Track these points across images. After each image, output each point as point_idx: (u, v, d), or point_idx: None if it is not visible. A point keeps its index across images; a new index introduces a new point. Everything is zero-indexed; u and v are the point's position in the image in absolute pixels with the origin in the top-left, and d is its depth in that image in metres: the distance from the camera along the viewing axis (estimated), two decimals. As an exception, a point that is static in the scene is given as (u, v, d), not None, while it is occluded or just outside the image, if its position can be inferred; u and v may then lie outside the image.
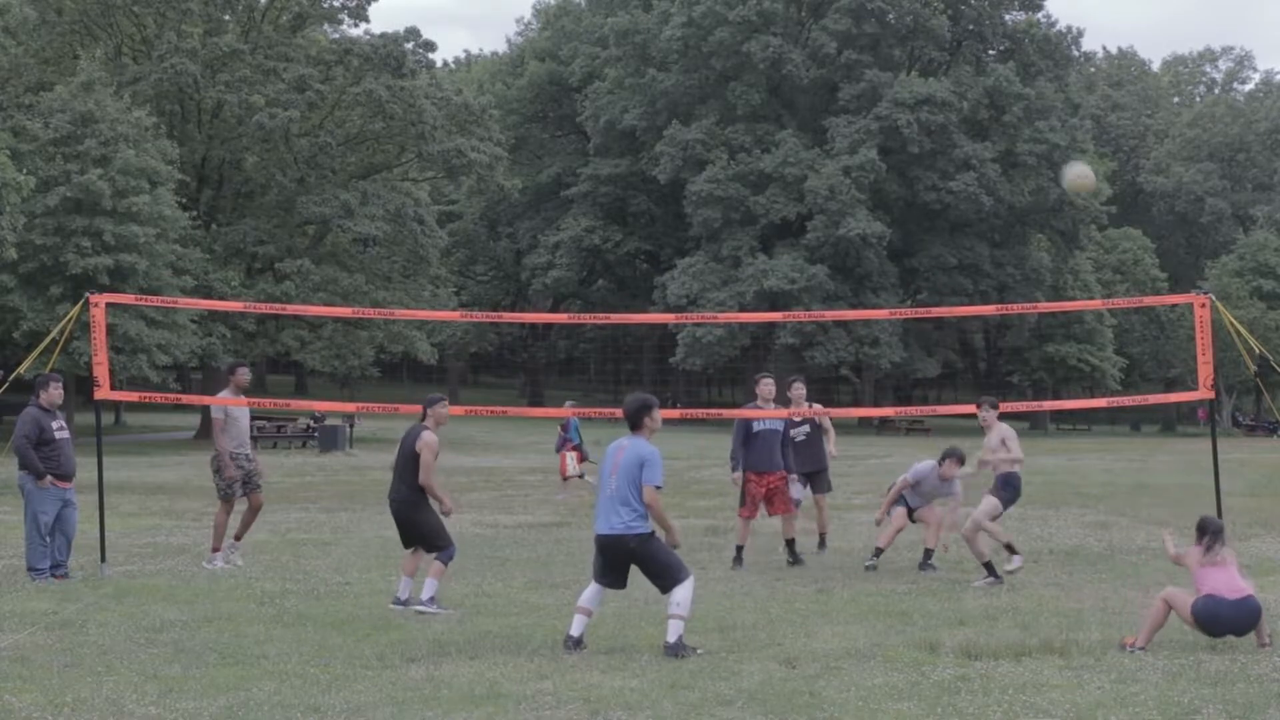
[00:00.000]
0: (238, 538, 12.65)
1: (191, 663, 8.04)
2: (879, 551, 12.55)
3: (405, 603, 9.98)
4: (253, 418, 44.23)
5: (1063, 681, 7.39)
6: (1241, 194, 77.70)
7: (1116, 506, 18.94)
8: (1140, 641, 8.34)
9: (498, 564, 12.67)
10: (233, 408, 12.57)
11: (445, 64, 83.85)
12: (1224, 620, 8.26)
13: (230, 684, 7.41)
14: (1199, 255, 77.07)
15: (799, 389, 13.25)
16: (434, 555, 10.02)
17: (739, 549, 12.66)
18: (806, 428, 13.43)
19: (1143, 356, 69.24)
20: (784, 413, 12.94)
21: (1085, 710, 6.74)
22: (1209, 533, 8.63)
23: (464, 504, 19.46)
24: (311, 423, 38.79)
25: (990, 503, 11.70)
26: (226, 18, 45.96)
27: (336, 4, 47.29)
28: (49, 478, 11.44)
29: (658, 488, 8.29)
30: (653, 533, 8.36)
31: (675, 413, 12.48)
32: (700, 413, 13.34)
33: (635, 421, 8.57)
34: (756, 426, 12.72)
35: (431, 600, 9.88)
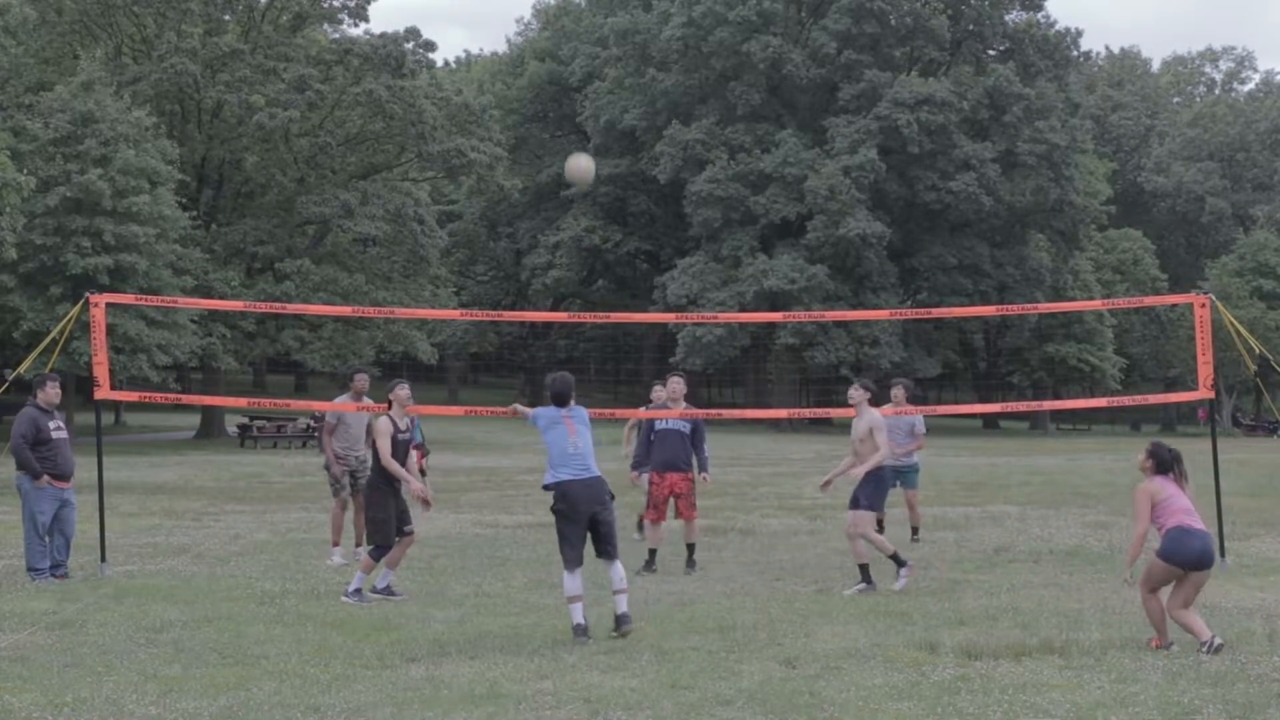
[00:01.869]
0: (358, 543, 12.76)
1: (191, 663, 8.04)
2: (915, 531, 13.98)
3: (387, 590, 10.45)
4: (252, 418, 44.01)
5: (1063, 681, 7.39)
6: (1241, 194, 77.69)
7: (1116, 506, 18.92)
8: (1163, 639, 8.29)
9: (498, 564, 12.67)
10: (346, 413, 13.00)
11: (445, 64, 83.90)
12: (1194, 549, 8.15)
13: (230, 684, 7.41)
14: (1199, 255, 77.05)
15: (677, 385, 12.58)
16: (369, 548, 10.45)
17: (651, 553, 12.14)
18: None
19: (1143, 356, 69.23)
20: (694, 412, 12.56)
21: (1085, 710, 6.74)
22: (1172, 459, 8.52)
23: (464, 504, 19.46)
24: (311, 422, 38.78)
25: (861, 517, 10.85)
26: (226, 18, 45.96)
27: (336, 4, 47.28)
28: (46, 477, 11.43)
29: None
30: None
31: (675, 413, 12.43)
32: (700, 413, 13.31)
33: (567, 399, 9.29)
34: (660, 425, 12.35)
35: (356, 592, 10.30)
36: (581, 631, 8.67)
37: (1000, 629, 9.01)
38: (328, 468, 13.12)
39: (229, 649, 8.44)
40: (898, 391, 14.14)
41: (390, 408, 10.66)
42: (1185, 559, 8.16)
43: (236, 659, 8.14)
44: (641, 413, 13.28)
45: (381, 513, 10.35)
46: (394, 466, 10.30)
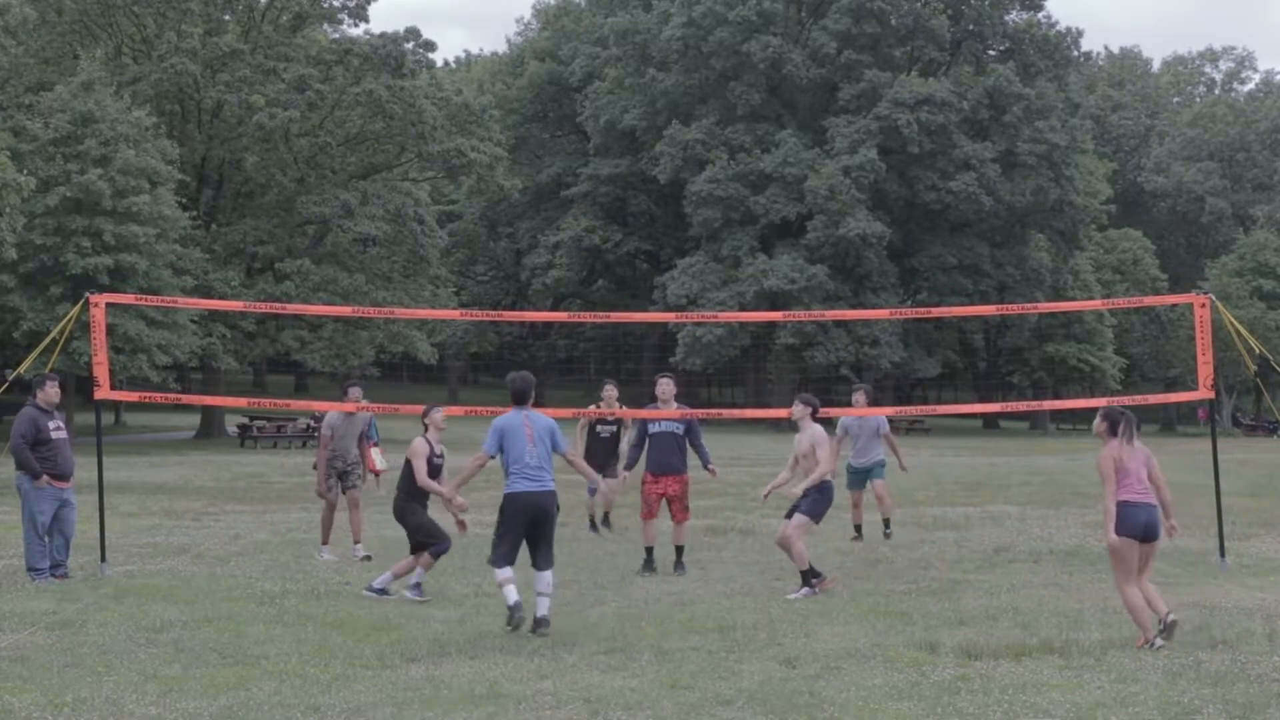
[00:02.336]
0: (356, 540, 13.38)
1: (191, 663, 8.04)
2: (887, 524, 14.35)
3: (382, 591, 10.63)
4: (252, 418, 43.98)
5: (1063, 681, 7.39)
6: (1241, 194, 77.67)
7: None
8: (1148, 636, 8.35)
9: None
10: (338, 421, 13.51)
11: (445, 64, 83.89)
12: (1140, 521, 8.39)
13: (230, 684, 7.41)
14: (1199, 255, 77.02)
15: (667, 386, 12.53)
16: (427, 550, 10.66)
17: (648, 551, 12.13)
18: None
19: (1143, 356, 69.21)
20: (677, 413, 12.41)
21: (1085, 710, 6.74)
22: (1123, 419, 8.67)
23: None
24: (311, 422, 38.76)
25: (800, 521, 10.87)
26: (226, 18, 45.95)
27: (336, 4, 47.27)
28: (45, 477, 11.43)
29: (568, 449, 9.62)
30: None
31: (675, 413, 12.41)
32: (700, 413, 13.30)
33: (526, 397, 9.50)
34: (653, 428, 12.31)
35: (417, 587, 10.58)
36: (517, 609, 8.91)
37: (1000, 629, 9.01)
38: (316, 467, 13.82)
39: (229, 649, 8.44)
40: (859, 397, 15.00)
41: (427, 431, 10.97)
42: (1133, 530, 8.38)
43: (236, 659, 8.14)
44: (618, 411, 13.99)
45: (420, 517, 10.74)
46: (431, 485, 10.66)
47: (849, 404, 15.61)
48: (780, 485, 11.31)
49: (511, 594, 9.02)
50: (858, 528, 14.66)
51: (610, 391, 14.24)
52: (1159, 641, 8.28)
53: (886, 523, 14.56)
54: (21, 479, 11.52)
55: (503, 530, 9.22)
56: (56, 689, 7.27)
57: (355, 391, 13.57)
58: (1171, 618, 8.36)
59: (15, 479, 11.62)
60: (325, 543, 13.38)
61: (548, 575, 9.17)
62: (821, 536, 14.99)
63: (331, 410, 13.68)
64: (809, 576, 10.78)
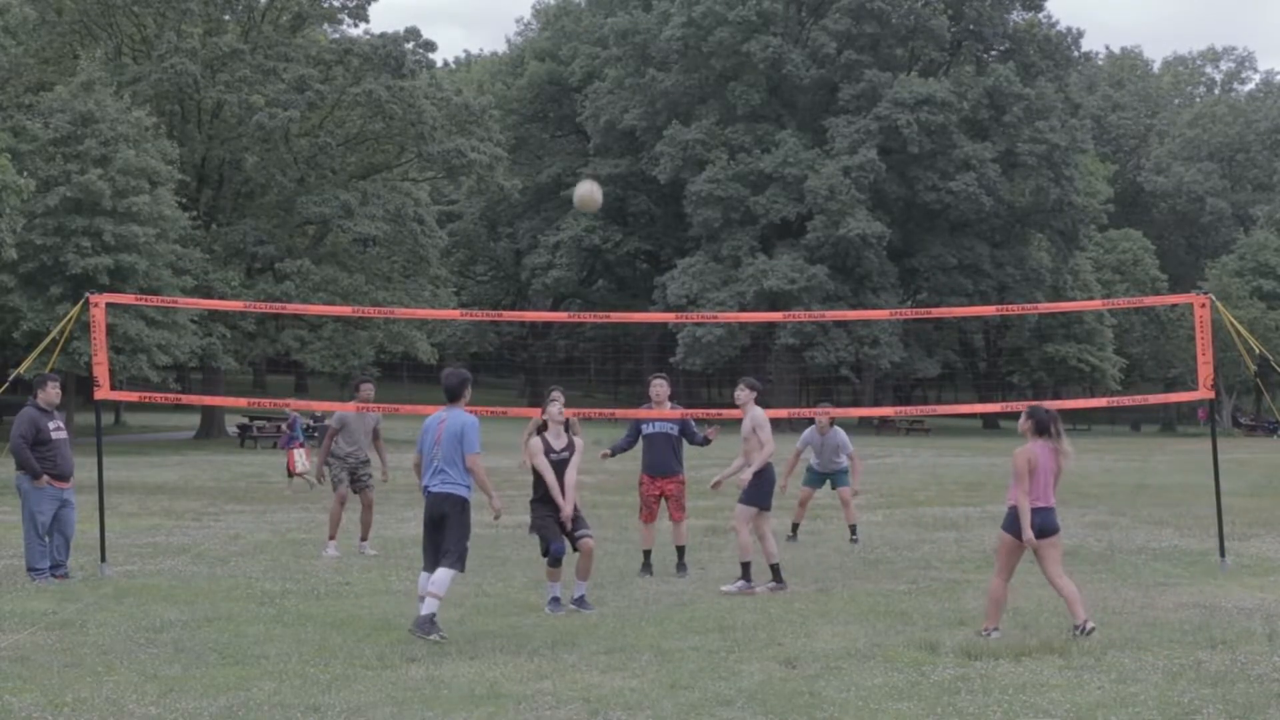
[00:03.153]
0: (364, 537, 13.70)
1: (191, 663, 8.04)
2: (853, 530, 14.34)
3: (581, 601, 10.05)
4: (252, 418, 43.98)
5: (1063, 681, 7.39)
6: (1241, 194, 77.68)
7: (1116, 506, 18.94)
8: (992, 623, 8.72)
9: (498, 564, 12.67)
10: (349, 415, 13.55)
11: (445, 64, 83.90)
12: (1034, 523, 8.59)
13: (230, 684, 7.41)
14: (1199, 255, 77.03)
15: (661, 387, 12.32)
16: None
17: (646, 554, 12.10)
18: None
19: (1143, 356, 69.21)
20: (676, 413, 12.30)
21: (1085, 710, 6.74)
22: (1049, 420, 8.80)
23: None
24: (312, 422, 38.75)
25: (740, 511, 10.96)
26: (226, 18, 45.96)
27: (336, 4, 47.29)
28: (45, 478, 11.44)
29: (477, 454, 9.08)
30: (468, 503, 9.04)
31: (675, 413, 12.39)
32: (700, 413, 13.28)
33: (456, 394, 9.27)
34: (647, 429, 12.19)
35: (554, 601, 10.05)
36: (425, 624, 8.62)
37: (1000, 629, 9.01)
38: (328, 464, 13.74)
39: (229, 649, 8.44)
40: (822, 421, 14.63)
41: (547, 429, 10.37)
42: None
43: (236, 659, 8.14)
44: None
45: (541, 521, 10.11)
46: (550, 478, 10.03)
47: (849, 404, 15.58)
48: (731, 474, 11.45)
49: (425, 607, 8.72)
50: (794, 527, 14.68)
51: (555, 404, 11.42)
52: (995, 633, 8.61)
53: (853, 529, 14.49)
54: (21, 479, 11.52)
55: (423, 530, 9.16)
56: (56, 689, 7.27)
57: (367, 389, 13.56)
58: (1090, 625, 8.57)
59: (15, 479, 11.63)
60: (332, 538, 13.47)
61: (440, 574, 8.78)
62: (821, 536, 15.01)
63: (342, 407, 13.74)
64: (747, 570, 10.90)
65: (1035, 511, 8.61)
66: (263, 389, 65.95)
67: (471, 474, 9.04)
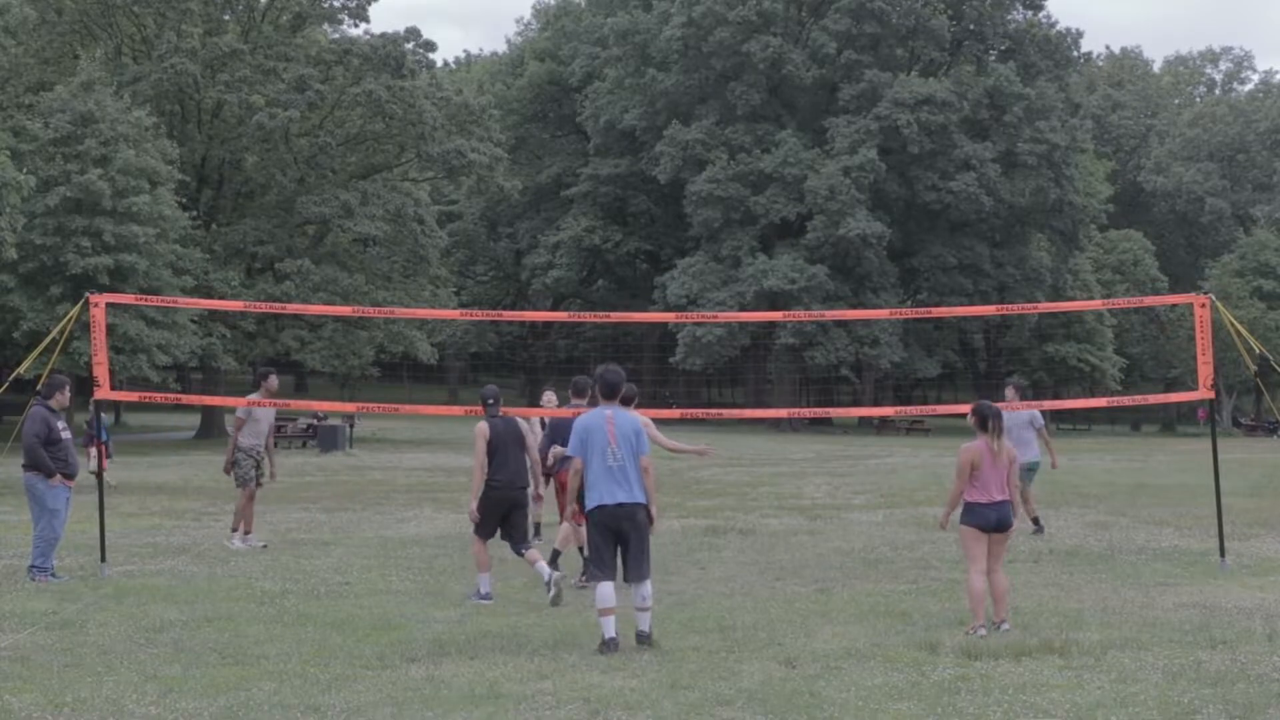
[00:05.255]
0: (247, 530, 14.13)
1: (191, 663, 8.04)
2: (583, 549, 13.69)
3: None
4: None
5: (1063, 681, 7.39)
6: (1241, 194, 77.68)
7: (1116, 506, 18.94)
8: (977, 624, 8.79)
9: (498, 564, 12.64)
10: (256, 409, 14.15)
11: (445, 64, 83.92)
12: (990, 518, 8.88)
13: (230, 684, 7.41)
14: (1199, 255, 77.03)
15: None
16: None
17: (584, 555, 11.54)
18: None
19: (1143, 356, 69.22)
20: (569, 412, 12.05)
21: (1085, 710, 6.74)
22: (990, 415, 9.03)
23: (464, 504, 19.42)
24: (312, 423, 38.78)
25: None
26: (226, 18, 45.95)
27: (336, 4, 47.27)
28: (59, 476, 11.51)
29: (648, 454, 8.80)
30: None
31: (675, 413, 12.42)
32: (700, 413, 13.30)
33: (617, 391, 8.87)
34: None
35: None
36: (614, 645, 8.33)
37: (985, 627, 9.01)
38: (238, 462, 14.18)
39: (229, 649, 8.44)
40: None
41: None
42: (983, 523, 8.92)
43: (236, 659, 8.14)
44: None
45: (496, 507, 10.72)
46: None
47: (850, 404, 15.58)
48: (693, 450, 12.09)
49: (608, 628, 8.39)
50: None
51: (550, 397, 13.32)
52: (982, 631, 8.72)
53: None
54: (35, 479, 11.53)
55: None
56: (56, 689, 7.27)
57: (274, 381, 14.31)
58: (1006, 627, 8.84)
59: (26, 479, 11.61)
60: (249, 531, 14.02)
61: (647, 586, 8.61)
62: (821, 536, 15.00)
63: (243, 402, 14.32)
64: (554, 563, 11.11)
65: (991, 505, 8.88)
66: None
67: (645, 474, 8.71)
